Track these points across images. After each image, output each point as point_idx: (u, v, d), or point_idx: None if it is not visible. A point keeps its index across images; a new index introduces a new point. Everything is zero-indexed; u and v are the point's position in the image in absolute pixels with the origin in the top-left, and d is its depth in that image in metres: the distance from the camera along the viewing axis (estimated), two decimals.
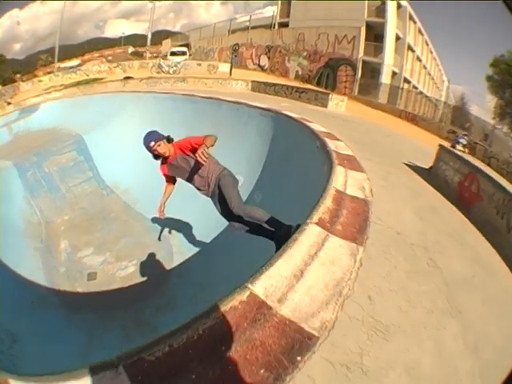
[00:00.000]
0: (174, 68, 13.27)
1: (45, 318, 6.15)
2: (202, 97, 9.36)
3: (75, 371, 1.62)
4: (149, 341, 1.71)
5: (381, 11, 20.58)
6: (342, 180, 3.68)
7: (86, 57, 17.39)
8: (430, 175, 5.48)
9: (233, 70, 14.90)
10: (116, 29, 16.96)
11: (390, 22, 20.26)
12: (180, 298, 5.75)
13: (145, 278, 6.77)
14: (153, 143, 3.23)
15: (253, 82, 12.15)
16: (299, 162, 5.49)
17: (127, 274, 7.09)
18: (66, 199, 9.94)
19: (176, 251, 7.06)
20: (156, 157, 3.42)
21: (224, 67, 14.73)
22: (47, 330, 5.86)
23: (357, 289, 2.14)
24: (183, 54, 17.46)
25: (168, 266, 6.79)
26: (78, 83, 14.48)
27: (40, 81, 18.00)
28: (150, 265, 7.00)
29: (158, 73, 12.99)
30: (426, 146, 8.79)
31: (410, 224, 3.27)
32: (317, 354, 1.69)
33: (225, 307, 1.83)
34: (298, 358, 1.65)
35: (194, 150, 3.07)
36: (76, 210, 9.61)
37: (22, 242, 8.57)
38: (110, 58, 16.51)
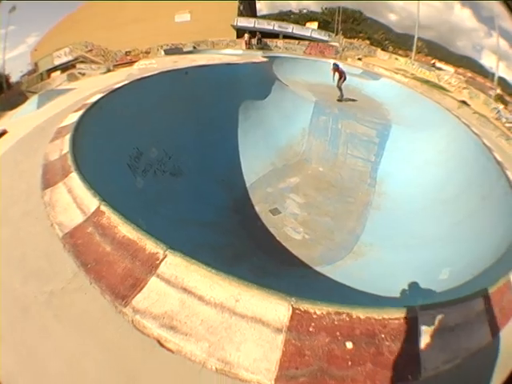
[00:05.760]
0: (509, 125, 11.82)
1: (212, 193, 8.36)
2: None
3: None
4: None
5: None
6: None
7: (460, 71, 17.30)
8: None
9: None
10: (490, 61, 15.97)
11: None
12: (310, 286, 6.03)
13: (295, 254, 7.11)
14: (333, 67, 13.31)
15: None
16: None
17: (291, 237, 7.67)
18: (335, 158, 11.10)
19: (341, 264, 7.06)
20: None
21: None
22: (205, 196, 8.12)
23: None
24: None
25: (317, 265, 6.93)
26: (426, 82, 14.89)
27: (396, 59, 19.55)
28: (307, 252, 7.23)
29: (496, 119, 11.83)
30: None
31: None
32: None
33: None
34: None
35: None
36: (333, 171, 10.68)
37: (260, 152, 10.67)
38: (469, 79, 15.91)
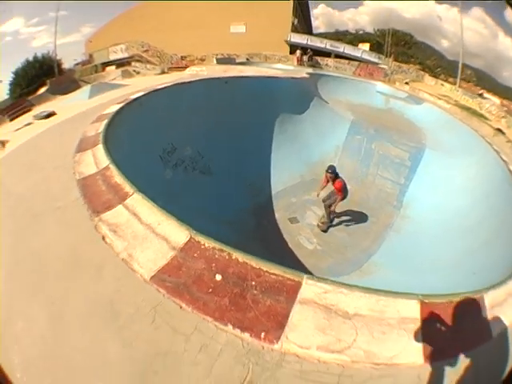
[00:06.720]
0: None
1: (237, 196, 8.80)
2: None
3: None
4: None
5: None
6: None
7: (505, 102, 16.79)
8: None
9: None
10: None
11: None
12: None
13: (303, 262, 7.27)
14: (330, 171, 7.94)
15: None
16: None
17: (303, 245, 7.88)
18: (365, 178, 11.12)
19: (346, 279, 6.89)
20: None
21: None
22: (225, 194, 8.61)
23: None
24: None
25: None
26: (467, 109, 14.50)
27: (442, 85, 19.13)
28: (315, 262, 7.33)
29: None
30: None
31: None
32: None
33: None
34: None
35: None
36: (360, 190, 10.61)
37: (292, 164, 11.07)
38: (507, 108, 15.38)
